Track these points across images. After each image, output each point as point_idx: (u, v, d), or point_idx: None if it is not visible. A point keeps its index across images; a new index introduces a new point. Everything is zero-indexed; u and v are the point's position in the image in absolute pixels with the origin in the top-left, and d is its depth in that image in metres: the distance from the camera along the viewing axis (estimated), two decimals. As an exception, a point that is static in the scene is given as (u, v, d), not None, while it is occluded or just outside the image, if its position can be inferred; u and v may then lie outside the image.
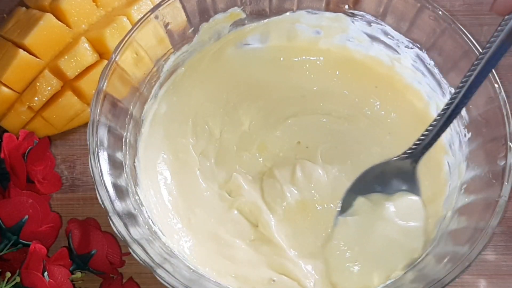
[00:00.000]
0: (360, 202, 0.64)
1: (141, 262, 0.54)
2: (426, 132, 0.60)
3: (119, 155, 0.61)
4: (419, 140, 0.61)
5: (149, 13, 0.62)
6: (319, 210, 0.66)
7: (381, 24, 0.66)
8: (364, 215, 0.64)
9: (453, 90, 0.64)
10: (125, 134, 0.62)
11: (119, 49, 0.60)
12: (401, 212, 0.63)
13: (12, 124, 0.70)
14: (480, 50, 0.61)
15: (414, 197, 0.63)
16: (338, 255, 0.63)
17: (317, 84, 0.71)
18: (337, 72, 0.71)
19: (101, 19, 0.72)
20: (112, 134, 0.60)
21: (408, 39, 0.65)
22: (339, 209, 0.65)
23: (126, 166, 0.61)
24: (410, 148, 0.62)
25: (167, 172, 0.67)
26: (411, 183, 0.63)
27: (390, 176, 0.64)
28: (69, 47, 0.69)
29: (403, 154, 0.62)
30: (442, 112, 0.58)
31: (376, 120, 0.70)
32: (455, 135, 0.64)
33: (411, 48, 0.66)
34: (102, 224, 0.66)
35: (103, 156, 0.58)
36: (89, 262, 0.63)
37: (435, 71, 0.65)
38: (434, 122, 0.59)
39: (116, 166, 0.59)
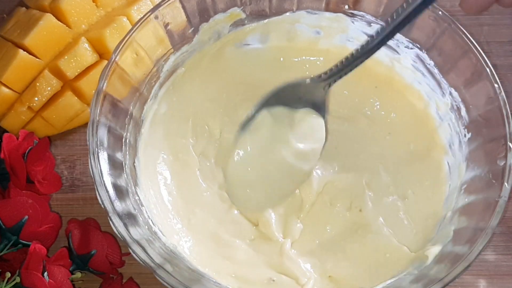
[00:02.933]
0: (263, 115, 0.64)
1: (141, 262, 0.54)
2: (347, 56, 0.59)
3: (119, 155, 0.61)
4: (337, 65, 0.60)
5: (149, 13, 0.62)
6: (318, 208, 0.67)
7: (381, 24, 0.66)
8: (265, 132, 0.64)
9: (453, 90, 0.64)
10: (125, 134, 0.62)
11: (119, 49, 0.60)
12: (301, 132, 0.63)
13: (12, 124, 0.70)
14: (480, 50, 0.61)
15: (317, 117, 0.64)
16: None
17: (317, 84, 0.71)
18: (337, 72, 0.71)
19: (101, 19, 0.72)
20: (112, 134, 0.60)
21: (408, 39, 0.65)
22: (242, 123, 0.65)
23: (126, 166, 0.61)
24: (328, 70, 0.61)
25: (167, 172, 0.67)
26: (320, 106, 0.63)
27: (300, 96, 0.63)
28: (69, 47, 0.69)
29: (318, 76, 0.62)
30: (367, 41, 0.57)
31: (376, 120, 0.70)
32: (455, 135, 0.64)
33: (411, 48, 0.66)
34: (102, 224, 0.66)
35: (103, 156, 0.58)
36: (89, 262, 0.63)
37: (435, 71, 0.65)
38: (357, 48, 0.58)
39: (116, 166, 0.59)
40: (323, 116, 0.64)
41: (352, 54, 0.58)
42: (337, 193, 0.67)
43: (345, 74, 0.60)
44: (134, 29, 0.61)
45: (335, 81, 0.61)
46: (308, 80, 0.62)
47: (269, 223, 0.65)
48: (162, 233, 0.62)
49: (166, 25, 0.63)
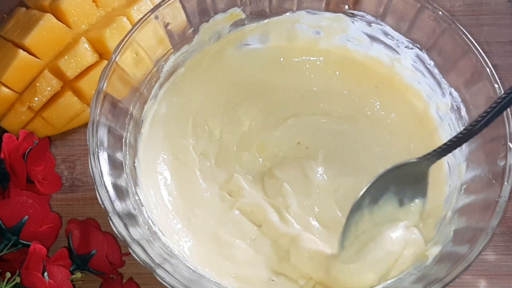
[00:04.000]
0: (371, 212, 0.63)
1: (141, 262, 0.54)
2: (453, 139, 0.59)
3: (119, 155, 0.61)
4: (444, 144, 0.59)
5: (149, 13, 0.62)
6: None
7: (381, 25, 0.66)
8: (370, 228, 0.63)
9: (453, 91, 0.64)
10: (125, 134, 0.62)
11: (119, 49, 0.60)
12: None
13: (12, 124, 0.70)
14: (480, 50, 0.61)
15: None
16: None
17: (317, 84, 0.71)
18: (337, 72, 0.71)
19: (101, 19, 0.72)
20: (112, 134, 0.60)
21: (408, 39, 0.65)
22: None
23: (126, 167, 0.61)
24: (434, 151, 0.60)
25: (167, 173, 0.67)
26: (422, 185, 0.62)
27: (404, 179, 0.62)
28: (69, 47, 0.69)
29: (422, 157, 0.61)
30: (478, 119, 0.57)
31: (376, 120, 0.70)
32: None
33: (411, 49, 0.66)
34: (102, 224, 0.66)
35: (103, 156, 0.58)
36: (89, 262, 0.63)
37: (435, 71, 0.65)
38: (464, 131, 0.58)
39: (116, 166, 0.59)
40: (425, 192, 0.62)
41: (457, 137, 0.58)
42: (338, 194, 0.67)
43: (448, 153, 0.60)
44: (134, 29, 0.61)
45: (438, 159, 0.60)
46: (414, 160, 0.61)
47: (275, 225, 0.65)
48: (162, 233, 0.62)
49: (166, 25, 0.63)
